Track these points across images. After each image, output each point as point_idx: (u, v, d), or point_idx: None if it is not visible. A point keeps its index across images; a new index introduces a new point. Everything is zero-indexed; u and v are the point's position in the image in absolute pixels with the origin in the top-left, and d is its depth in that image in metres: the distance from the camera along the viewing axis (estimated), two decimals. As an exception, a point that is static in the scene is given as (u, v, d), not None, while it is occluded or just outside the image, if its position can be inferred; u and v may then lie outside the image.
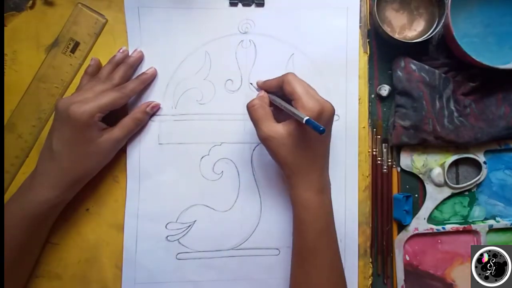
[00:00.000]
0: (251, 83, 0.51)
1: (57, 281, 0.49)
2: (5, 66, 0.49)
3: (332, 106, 0.43)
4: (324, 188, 0.45)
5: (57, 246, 0.49)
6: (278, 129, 0.43)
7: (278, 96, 0.46)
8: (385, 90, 0.52)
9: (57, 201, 0.44)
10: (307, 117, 0.39)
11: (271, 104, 0.46)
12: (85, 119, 0.43)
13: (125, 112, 0.49)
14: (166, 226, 0.50)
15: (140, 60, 0.50)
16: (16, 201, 0.44)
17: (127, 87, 0.47)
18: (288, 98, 0.44)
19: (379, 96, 0.53)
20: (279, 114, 0.45)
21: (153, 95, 0.50)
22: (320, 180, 0.45)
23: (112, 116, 0.46)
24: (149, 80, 0.50)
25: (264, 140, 0.43)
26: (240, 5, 0.51)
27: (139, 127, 0.49)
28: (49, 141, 0.44)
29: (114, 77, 0.47)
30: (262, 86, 0.49)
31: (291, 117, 0.42)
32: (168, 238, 0.50)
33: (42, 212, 0.44)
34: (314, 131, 0.38)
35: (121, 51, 0.49)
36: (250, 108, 0.45)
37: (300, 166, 0.43)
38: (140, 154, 0.50)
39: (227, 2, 0.51)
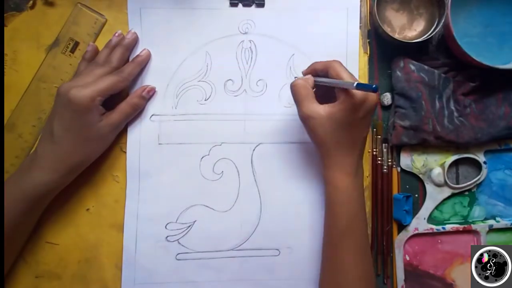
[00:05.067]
0: (295, 77, 0.49)
1: (57, 281, 0.49)
2: (5, 66, 0.49)
3: (377, 97, 0.44)
4: (357, 171, 0.45)
5: (57, 246, 0.49)
6: (319, 110, 0.43)
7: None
8: (387, 98, 0.52)
9: (56, 184, 0.45)
10: (357, 81, 0.38)
11: (315, 86, 0.46)
12: (86, 103, 0.43)
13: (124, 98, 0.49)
14: (166, 226, 0.50)
15: (135, 41, 0.50)
16: (15, 182, 0.44)
17: (124, 70, 0.48)
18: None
19: (382, 106, 0.53)
20: (322, 97, 0.45)
21: (154, 95, 0.50)
22: (354, 163, 0.44)
23: (111, 102, 0.47)
24: (145, 62, 0.50)
25: (303, 119, 0.44)
26: (240, 5, 0.51)
27: (136, 112, 0.50)
28: (49, 125, 0.45)
29: (111, 60, 0.48)
30: (307, 71, 0.48)
31: (334, 101, 0.43)
32: (168, 238, 0.50)
33: (41, 194, 0.44)
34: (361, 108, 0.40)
35: (116, 34, 0.49)
36: (293, 87, 0.45)
37: (335, 148, 0.44)
38: (140, 154, 0.50)
39: (228, 3, 0.51)
